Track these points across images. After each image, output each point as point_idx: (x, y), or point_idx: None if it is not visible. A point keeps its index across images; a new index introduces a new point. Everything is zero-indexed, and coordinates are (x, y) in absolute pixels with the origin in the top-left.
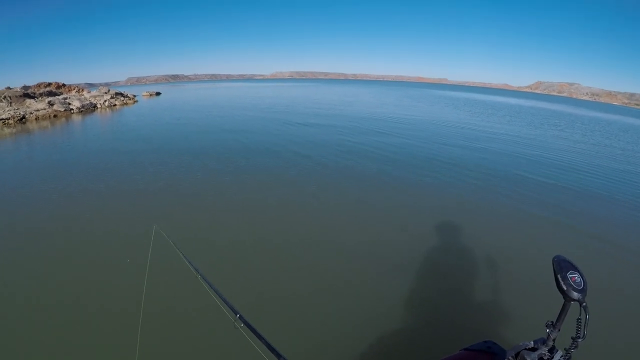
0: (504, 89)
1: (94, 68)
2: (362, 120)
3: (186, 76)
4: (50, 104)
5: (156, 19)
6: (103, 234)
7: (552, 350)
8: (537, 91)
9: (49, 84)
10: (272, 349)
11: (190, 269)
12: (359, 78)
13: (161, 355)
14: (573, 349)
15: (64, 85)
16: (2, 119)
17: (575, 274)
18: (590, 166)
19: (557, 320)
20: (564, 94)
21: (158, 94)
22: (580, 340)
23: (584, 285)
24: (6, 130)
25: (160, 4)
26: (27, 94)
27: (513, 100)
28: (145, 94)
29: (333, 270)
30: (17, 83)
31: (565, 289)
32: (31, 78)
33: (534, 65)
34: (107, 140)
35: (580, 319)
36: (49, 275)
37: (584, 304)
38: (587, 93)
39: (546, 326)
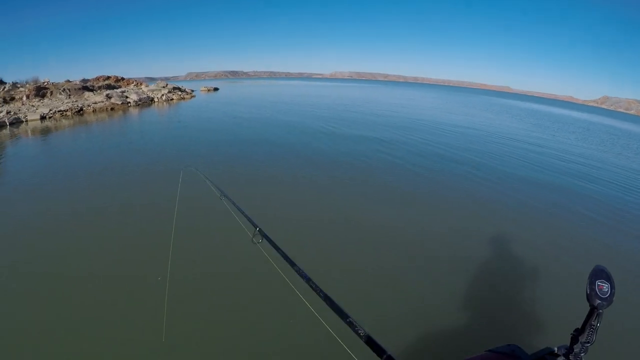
0: (569, 102)
1: (155, 63)
2: (427, 127)
3: (245, 73)
4: (108, 96)
5: (216, 16)
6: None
7: (574, 356)
8: (603, 106)
9: (108, 77)
10: (288, 259)
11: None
12: (419, 81)
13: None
14: (583, 352)
15: (122, 78)
16: (61, 110)
17: (605, 283)
18: None
19: (582, 327)
20: (632, 112)
21: (216, 89)
22: (588, 345)
23: (609, 295)
24: (64, 121)
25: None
26: (85, 87)
27: (579, 115)
28: (203, 89)
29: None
30: (79, 76)
31: (588, 293)
32: (94, 71)
33: (601, 79)
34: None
35: (593, 324)
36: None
37: (600, 311)
38: None
39: (572, 333)
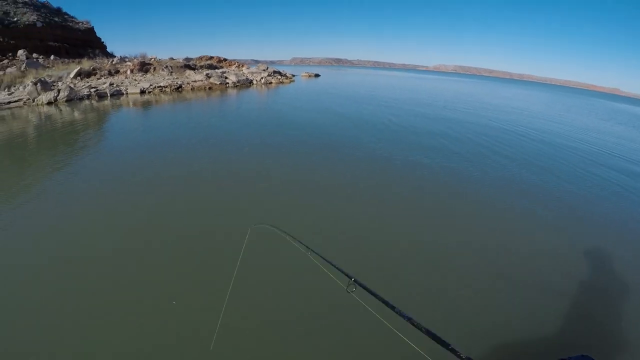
0: None
1: (261, 46)
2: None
3: (349, 61)
4: (208, 76)
5: (321, 1)
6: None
7: None
8: None
9: (211, 58)
10: (387, 303)
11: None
12: (524, 79)
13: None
14: None
15: (225, 59)
16: (160, 86)
17: None
18: None
19: None
20: None
21: (317, 75)
22: None
23: None
24: (163, 96)
25: None
26: (188, 65)
27: None
28: (304, 74)
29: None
30: (188, 54)
31: None
32: (205, 50)
33: None
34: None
35: None
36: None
37: None
38: None
39: None
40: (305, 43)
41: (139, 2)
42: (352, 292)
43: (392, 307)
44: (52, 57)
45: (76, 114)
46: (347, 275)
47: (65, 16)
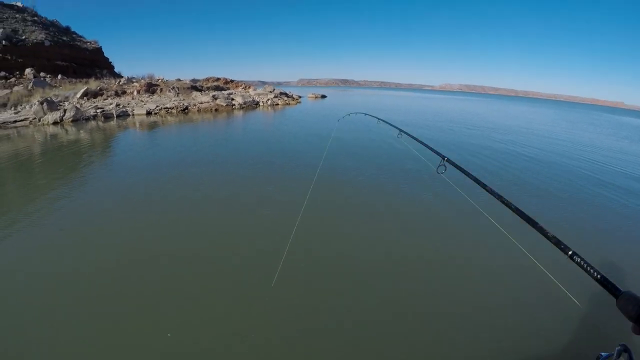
0: None
1: (269, 67)
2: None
3: (356, 81)
4: (214, 97)
5: (327, 23)
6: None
7: None
8: None
9: (217, 79)
10: (479, 182)
11: None
12: (530, 95)
13: None
14: None
15: (231, 81)
16: (167, 107)
17: None
18: None
19: None
20: None
21: (324, 96)
22: None
23: None
24: (169, 118)
25: (332, 10)
26: (194, 86)
27: None
28: (310, 95)
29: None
30: (197, 75)
31: None
32: (212, 72)
33: None
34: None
35: None
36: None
37: None
38: None
39: None
40: (312, 64)
41: (150, 23)
42: (442, 173)
43: (484, 185)
44: (59, 76)
45: (81, 134)
46: (438, 154)
47: (74, 35)
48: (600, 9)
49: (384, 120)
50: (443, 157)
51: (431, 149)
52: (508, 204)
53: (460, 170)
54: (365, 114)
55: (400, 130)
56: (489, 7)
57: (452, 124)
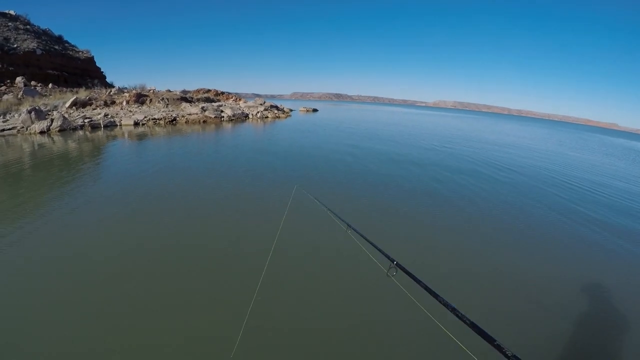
0: None
1: (263, 80)
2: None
3: (349, 96)
4: (203, 109)
5: (321, 38)
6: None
7: None
8: None
9: (208, 91)
10: (431, 291)
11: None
12: (523, 114)
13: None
14: None
15: (222, 93)
16: (155, 118)
17: None
18: None
19: None
20: None
21: (315, 110)
22: None
23: None
24: (157, 129)
25: (328, 26)
26: (184, 97)
27: None
28: (302, 109)
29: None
30: (191, 87)
31: None
32: (210, 83)
33: None
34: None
35: None
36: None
37: None
38: None
39: None
40: (306, 78)
41: (147, 35)
42: (392, 275)
43: (436, 295)
44: (50, 85)
45: (67, 144)
46: (388, 258)
47: (66, 44)
48: (595, 33)
49: (332, 212)
50: (392, 261)
51: (380, 250)
52: (462, 318)
53: (411, 277)
54: (315, 198)
55: (349, 225)
56: (485, 26)
57: (428, 141)
